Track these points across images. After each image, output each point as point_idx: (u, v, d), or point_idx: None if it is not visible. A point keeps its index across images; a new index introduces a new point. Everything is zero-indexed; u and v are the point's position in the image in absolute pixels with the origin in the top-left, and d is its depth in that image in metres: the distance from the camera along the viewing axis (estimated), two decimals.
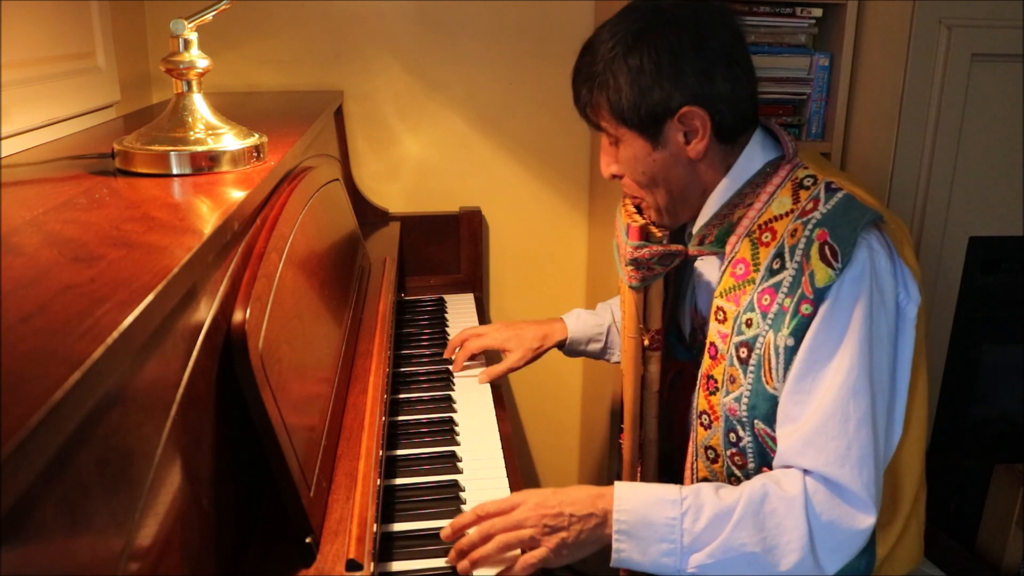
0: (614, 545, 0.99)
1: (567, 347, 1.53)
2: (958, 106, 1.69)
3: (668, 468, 1.34)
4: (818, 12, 1.81)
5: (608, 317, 1.54)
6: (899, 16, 1.68)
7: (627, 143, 1.12)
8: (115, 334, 0.51)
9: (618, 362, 1.53)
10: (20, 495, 0.42)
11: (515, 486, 1.18)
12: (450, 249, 2.06)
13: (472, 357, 1.54)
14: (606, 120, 1.12)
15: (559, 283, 2.18)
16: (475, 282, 2.06)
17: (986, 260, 1.80)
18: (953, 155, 1.72)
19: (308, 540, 0.83)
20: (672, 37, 1.05)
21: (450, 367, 1.53)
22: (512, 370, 1.51)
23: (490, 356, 1.58)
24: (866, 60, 1.79)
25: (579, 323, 1.52)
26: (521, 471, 1.26)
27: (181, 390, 0.69)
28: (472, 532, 1.00)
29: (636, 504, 0.99)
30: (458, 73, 2.00)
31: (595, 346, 1.53)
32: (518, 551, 1.00)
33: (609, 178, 1.18)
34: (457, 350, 1.54)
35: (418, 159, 2.04)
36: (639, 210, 1.21)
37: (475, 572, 0.99)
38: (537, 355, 1.52)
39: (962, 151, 1.72)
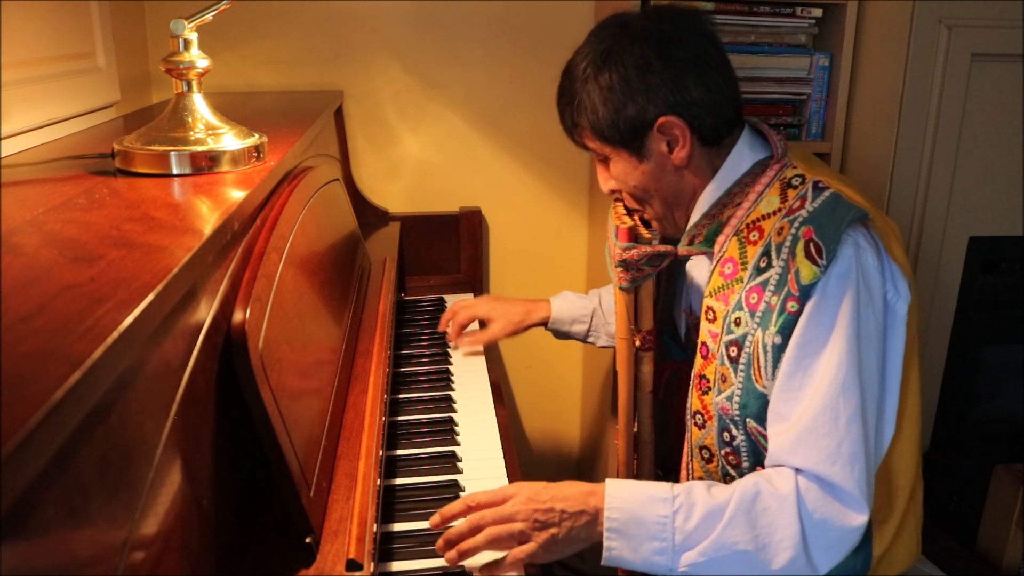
0: (605, 543, 0.99)
1: (551, 327, 1.60)
2: (958, 106, 1.69)
3: (665, 467, 1.34)
4: (818, 12, 1.81)
5: (595, 301, 1.58)
6: (899, 16, 1.68)
7: (615, 159, 1.14)
8: (115, 334, 0.51)
9: (604, 346, 1.59)
10: (20, 495, 0.42)
11: None
12: (450, 249, 2.06)
13: (466, 333, 1.62)
14: (590, 140, 1.14)
15: (559, 283, 2.18)
16: (475, 282, 2.07)
17: (986, 260, 1.80)
18: (953, 155, 1.72)
19: (308, 540, 0.83)
20: (638, 51, 1.07)
21: (450, 366, 1.54)
22: (493, 339, 1.60)
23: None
24: (866, 60, 1.79)
25: (564, 304, 1.59)
26: (521, 471, 1.26)
27: (181, 390, 0.69)
28: (462, 522, 1.00)
29: (627, 502, 0.99)
30: (458, 73, 2.00)
31: (579, 327, 1.58)
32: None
33: (609, 194, 1.20)
34: (450, 323, 1.63)
35: (418, 159, 2.04)
36: (629, 211, 1.22)
37: (463, 563, 0.99)
38: (519, 329, 1.59)
39: (962, 151, 1.72)
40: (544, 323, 1.59)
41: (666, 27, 1.08)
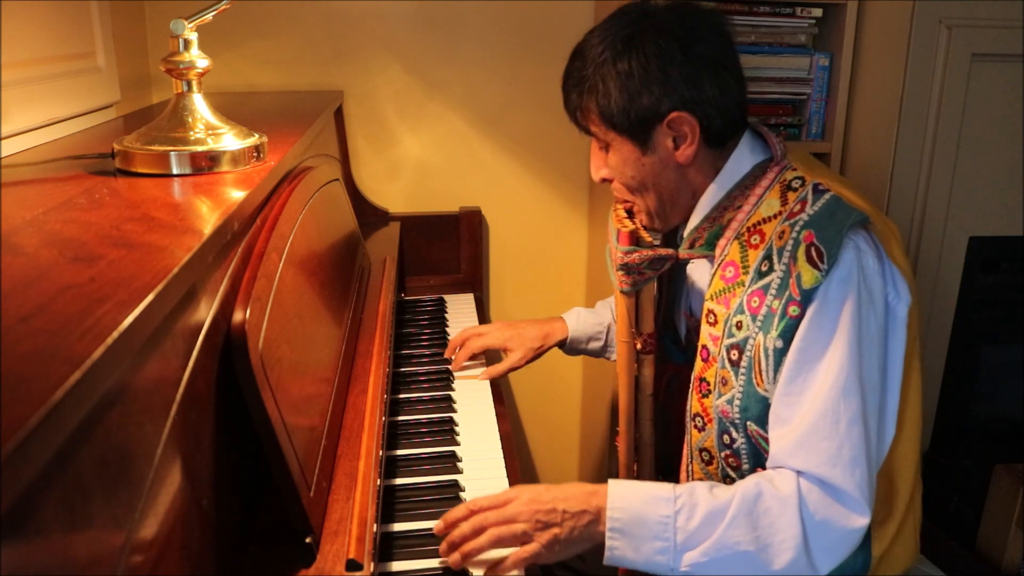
0: (607, 543, 0.99)
1: (568, 346, 1.54)
2: (958, 106, 1.69)
3: (666, 469, 1.34)
4: (818, 12, 1.81)
5: (607, 316, 1.55)
6: (899, 16, 1.68)
7: (616, 148, 1.12)
8: (115, 334, 0.51)
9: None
10: (20, 495, 0.42)
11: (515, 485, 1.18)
12: (450, 249, 2.06)
13: (472, 357, 1.55)
14: (596, 125, 1.12)
15: (559, 283, 2.18)
16: (475, 282, 2.07)
17: (986, 260, 1.80)
18: (953, 155, 1.72)
19: (308, 540, 0.83)
20: (661, 42, 1.05)
21: (449, 366, 1.54)
22: (513, 369, 1.52)
23: (491, 356, 1.59)
24: (866, 60, 1.79)
25: (579, 322, 1.53)
26: (521, 471, 1.26)
27: (181, 390, 0.69)
28: (464, 525, 1.00)
29: (630, 502, 0.99)
30: (458, 73, 2.00)
31: (595, 344, 1.54)
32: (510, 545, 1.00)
33: (599, 182, 1.19)
34: (458, 349, 1.55)
35: (418, 159, 2.04)
36: (630, 215, 1.21)
37: (466, 565, 0.99)
38: (538, 354, 1.53)
39: (962, 151, 1.72)
40: (562, 343, 1.53)
41: (690, 21, 1.07)
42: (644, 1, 1.12)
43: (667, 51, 1.05)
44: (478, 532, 0.99)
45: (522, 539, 0.99)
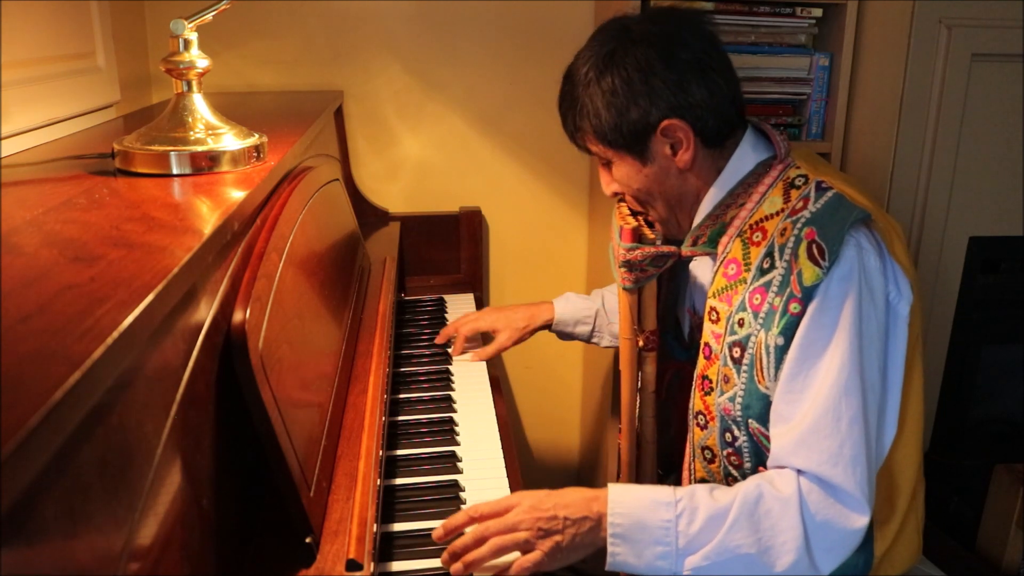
0: (609, 548, 0.99)
1: (555, 328, 1.59)
2: (958, 106, 1.69)
3: (668, 467, 1.34)
4: (818, 12, 1.81)
5: (598, 301, 1.58)
6: (899, 16, 1.68)
7: (618, 163, 1.14)
8: (115, 334, 0.51)
9: (608, 346, 1.59)
10: (20, 495, 0.42)
11: (515, 486, 1.18)
12: (450, 249, 2.06)
13: (468, 340, 1.59)
14: (593, 144, 1.14)
15: (559, 283, 2.18)
16: (475, 282, 2.07)
17: (986, 260, 1.80)
18: (953, 155, 1.72)
19: (308, 540, 0.83)
20: (640, 54, 1.06)
21: (450, 366, 1.54)
22: (501, 350, 1.58)
23: (487, 341, 1.62)
24: (866, 60, 1.79)
25: (568, 305, 1.58)
26: (521, 471, 1.26)
27: (181, 390, 0.69)
28: (466, 534, 1.00)
29: (630, 507, 0.99)
30: (458, 73, 2.00)
31: (583, 328, 1.58)
32: (513, 553, 1.00)
33: (612, 196, 1.20)
34: (453, 339, 1.60)
35: (418, 159, 2.04)
36: (633, 212, 1.22)
37: (468, 574, 0.99)
38: (524, 335, 1.58)
39: (962, 151, 1.72)
40: (548, 326, 1.58)
41: (668, 29, 1.08)
42: (623, 16, 1.13)
43: (647, 62, 1.06)
44: (480, 542, 0.99)
45: (524, 547, 0.99)
